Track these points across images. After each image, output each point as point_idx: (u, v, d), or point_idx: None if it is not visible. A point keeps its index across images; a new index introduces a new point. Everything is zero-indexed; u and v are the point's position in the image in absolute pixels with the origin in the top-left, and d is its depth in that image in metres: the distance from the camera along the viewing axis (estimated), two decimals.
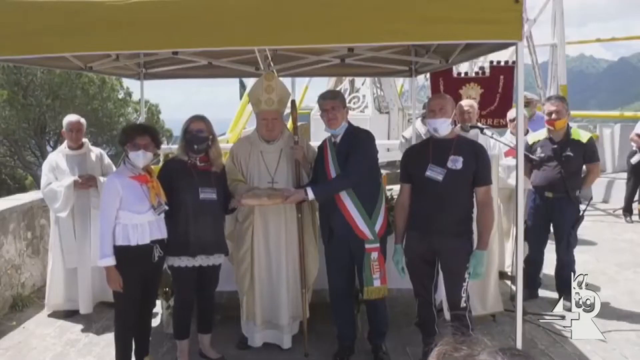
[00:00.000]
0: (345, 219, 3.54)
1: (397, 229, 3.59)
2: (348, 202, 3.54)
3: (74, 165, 4.58)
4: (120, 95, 20.32)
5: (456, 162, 3.33)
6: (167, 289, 4.12)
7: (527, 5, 3.01)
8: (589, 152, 4.65)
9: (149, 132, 3.43)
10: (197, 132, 3.53)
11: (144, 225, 3.32)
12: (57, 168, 4.56)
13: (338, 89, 12.47)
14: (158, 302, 4.26)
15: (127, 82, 20.07)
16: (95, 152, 4.79)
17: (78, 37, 2.90)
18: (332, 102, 3.61)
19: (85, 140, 4.73)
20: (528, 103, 5.90)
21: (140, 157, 3.34)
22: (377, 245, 3.55)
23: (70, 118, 4.69)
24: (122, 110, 20.02)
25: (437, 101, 3.45)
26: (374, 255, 3.53)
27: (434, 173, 3.34)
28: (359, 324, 4.04)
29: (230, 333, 4.11)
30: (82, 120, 4.72)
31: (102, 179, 4.51)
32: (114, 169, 4.70)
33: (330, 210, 3.60)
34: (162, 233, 3.43)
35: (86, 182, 4.50)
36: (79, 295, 4.63)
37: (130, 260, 3.29)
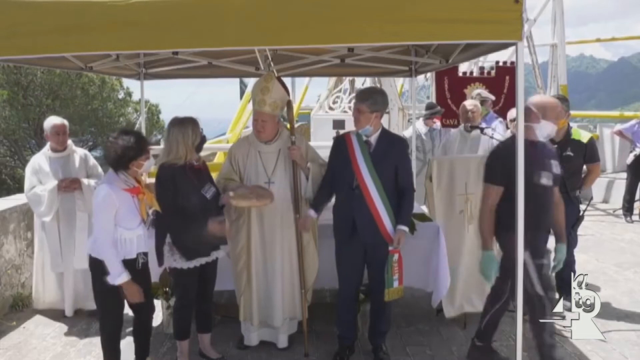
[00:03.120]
0: (373, 219, 3.54)
1: (486, 233, 3.46)
2: (379, 204, 3.53)
3: (57, 167, 4.49)
4: (120, 95, 20.28)
5: (558, 167, 3.50)
6: (167, 289, 4.12)
7: (527, 5, 3.01)
8: (589, 152, 4.64)
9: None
10: (204, 137, 3.57)
11: (133, 240, 3.22)
12: (40, 171, 4.48)
13: (338, 89, 12.47)
14: (158, 302, 4.27)
15: (127, 82, 20.06)
16: (79, 153, 4.67)
17: (78, 37, 2.89)
18: (359, 104, 3.57)
19: (69, 141, 4.62)
20: (483, 102, 5.89)
21: (146, 166, 3.29)
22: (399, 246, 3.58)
23: (55, 121, 4.56)
24: (122, 110, 19.99)
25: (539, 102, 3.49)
26: (396, 256, 3.55)
27: (546, 179, 3.38)
28: (359, 324, 4.04)
29: (230, 333, 4.11)
30: (66, 122, 4.62)
31: (86, 181, 4.47)
32: (100, 170, 4.64)
33: (357, 210, 3.57)
34: (146, 246, 3.35)
35: (69, 185, 4.42)
36: (64, 299, 4.64)
37: None
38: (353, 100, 3.64)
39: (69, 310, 4.65)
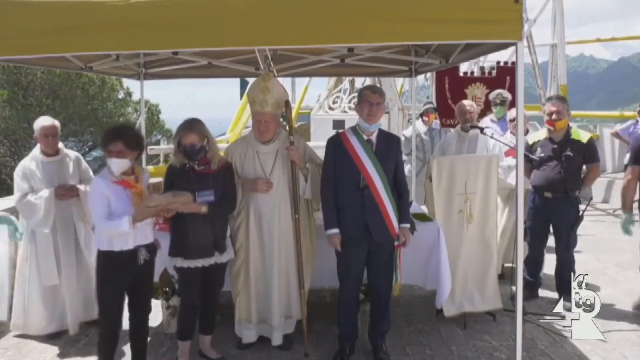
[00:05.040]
0: (383, 218, 3.58)
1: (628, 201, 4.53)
2: (387, 202, 3.58)
3: (52, 173, 4.13)
4: (120, 95, 20.31)
5: None
6: (167, 289, 4.12)
7: (527, 5, 3.02)
8: (589, 152, 4.64)
9: (122, 138, 3.21)
10: (191, 147, 3.44)
11: (128, 231, 3.19)
12: (31, 177, 4.08)
13: (338, 89, 12.48)
14: (158, 302, 4.27)
15: (127, 82, 20.08)
16: (71, 156, 4.31)
17: (78, 37, 2.90)
18: (379, 98, 3.61)
19: (60, 145, 4.25)
20: (502, 102, 5.93)
21: (114, 164, 3.21)
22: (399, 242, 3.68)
23: (44, 122, 4.14)
24: (122, 110, 20.01)
25: None
26: (397, 251, 3.66)
27: None
28: (359, 324, 4.04)
29: (230, 333, 4.10)
30: (57, 124, 4.20)
31: (82, 187, 4.16)
32: (91, 174, 4.35)
33: (368, 211, 3.56)
34: (147, 238, 3.33)
35: (67, 193, 4.10)
36: (67, 313, 4.22)
37: (113, 265, 3.22)
38: (371, 95, 3.59)
39: (74, 326, 4.25)
